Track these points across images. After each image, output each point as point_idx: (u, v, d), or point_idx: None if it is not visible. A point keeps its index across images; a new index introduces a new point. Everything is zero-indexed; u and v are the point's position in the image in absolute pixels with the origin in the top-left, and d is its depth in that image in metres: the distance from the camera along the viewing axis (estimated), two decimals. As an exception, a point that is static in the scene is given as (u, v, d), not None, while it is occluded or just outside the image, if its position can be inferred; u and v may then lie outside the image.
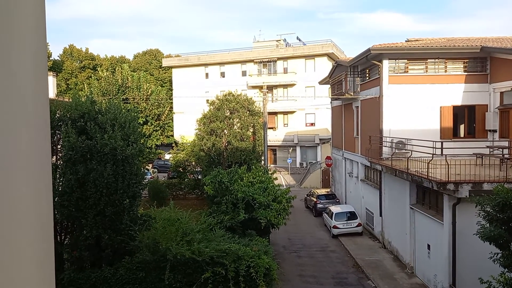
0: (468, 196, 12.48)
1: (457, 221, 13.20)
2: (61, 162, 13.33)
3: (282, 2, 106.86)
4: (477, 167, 14.03)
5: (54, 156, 13.88)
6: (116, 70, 41.56)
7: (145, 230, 13.36)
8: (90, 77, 52.65)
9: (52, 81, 30.66)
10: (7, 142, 1.05)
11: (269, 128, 39.29)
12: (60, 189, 12.89)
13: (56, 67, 56.34)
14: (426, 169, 13.65)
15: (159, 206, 18.05)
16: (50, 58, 57.32)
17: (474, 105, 18.91)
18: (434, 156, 13.89)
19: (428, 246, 15.27)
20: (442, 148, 13.73)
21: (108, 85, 38.97)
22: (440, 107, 19.05)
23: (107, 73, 40.97)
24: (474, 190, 12.55)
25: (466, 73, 19.01)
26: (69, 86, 57.75)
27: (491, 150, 16.33)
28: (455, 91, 18.99)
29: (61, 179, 13.04)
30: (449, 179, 12.83)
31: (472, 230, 10.33)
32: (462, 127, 20.06)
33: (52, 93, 29.86)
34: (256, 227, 16.55)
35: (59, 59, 60.96)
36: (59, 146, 13.71)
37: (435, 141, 14.45)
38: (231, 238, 14.52)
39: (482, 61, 18.96)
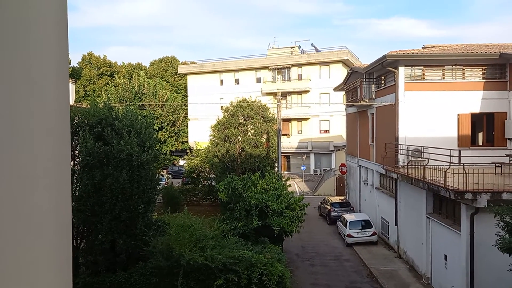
0: (486, 206, 12.19)
1: (475, 231, 12.90)
2: (79, 167, 13.56)
3: (297, 8, 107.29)
4: (496, 176, 13.71)
5: (72, 162, 14.13)
6: (133, 77, 42.29)
7: (159, 235, 13.44)
8: (108, 83, 53.68)
9: (71, 87, 31.34)
10: (30, 147, 1.08)
11: (283, 134, 39.25)
12: (77, 194, 13.09)
13: (75, 74, 57.62)
14: (443, 178, 13.40)
15: (173, 211, 18.16)
16: (70, 65, 58.66)
17: (493, 113, 18.53)
18: (451, 164, 13.64)
19: (445, 256, 14.94)
20: (459, 157, 13.47)
21: (125, 92, 39.66)
22: (458, 114, 18.73)
23: (124, 80, 41.72)
24: (493, 199, 12.25)
25: (484, 80, 18.68)
26: (87, 93, 58.93)
27: (511, 158, 15.95)
28: (473, 98, 18.67)
29: (78, 184, 13.26)
30: (467, 188, 12.56)
31: (491, 240, 10.08)
32: (480, 135, 19.67)
33: (71, 99, 30.50)
34: (270, 234, 16.47)
35: (78, 66, 62.33)
36: (76, 152, 13.97)
37: (453, 149, 14.20)
38: (244, 245, 14.47)
39: (501, 68, 18.61)
